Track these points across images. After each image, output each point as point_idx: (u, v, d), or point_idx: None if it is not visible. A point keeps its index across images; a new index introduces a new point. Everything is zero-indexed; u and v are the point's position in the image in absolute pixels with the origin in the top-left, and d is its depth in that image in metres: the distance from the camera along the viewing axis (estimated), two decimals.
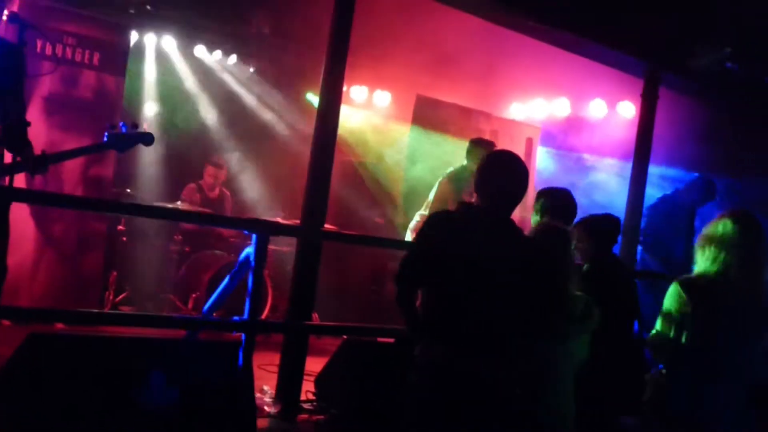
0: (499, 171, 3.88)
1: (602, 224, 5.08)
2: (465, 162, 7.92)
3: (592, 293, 4.25)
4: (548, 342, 3.97)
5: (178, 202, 8.86)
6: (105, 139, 5.13)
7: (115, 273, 8.34)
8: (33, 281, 7.61)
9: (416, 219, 7.99)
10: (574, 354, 4.07)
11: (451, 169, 8.14)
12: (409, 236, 7.91)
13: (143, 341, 4.98)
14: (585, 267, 4.97)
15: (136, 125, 5.18)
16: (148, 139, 5.20)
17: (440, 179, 8.06)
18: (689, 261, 4.32)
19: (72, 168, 7.73)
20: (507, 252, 3.74)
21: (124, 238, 8.73)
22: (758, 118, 9.75)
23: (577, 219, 5.06)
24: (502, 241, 3.77)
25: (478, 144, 7.88)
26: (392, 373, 4.49)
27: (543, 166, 11.34)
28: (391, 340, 6.22)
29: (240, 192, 10.23)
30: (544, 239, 4.14)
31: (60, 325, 6.87)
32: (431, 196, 8.02)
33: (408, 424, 3.79)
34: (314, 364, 6.08)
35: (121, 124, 5.14)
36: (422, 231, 3.86)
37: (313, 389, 5.93)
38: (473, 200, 3.99)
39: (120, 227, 8.66)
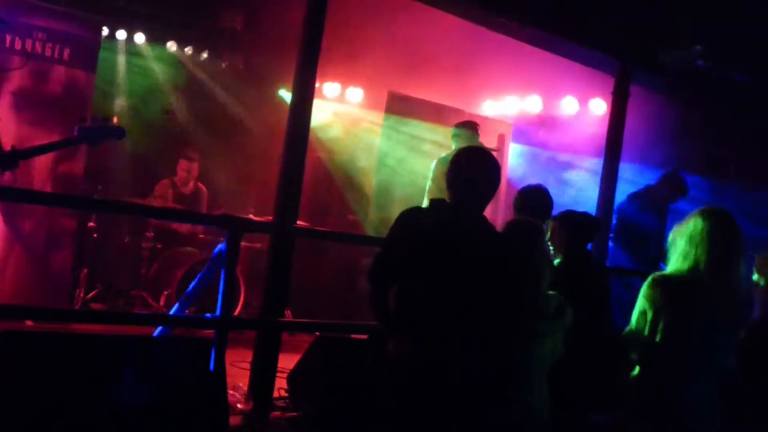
0: (469, 167, 3.89)
1: (578, 220, 5.10)
2: (453, 148, 8.01)
3: (562, 288, 4.27)
4: (521, 339, 3.98)
5: (150, 198, 8.80)
6: (75, 133, 5.07)
7: (85, 270, 8.27)
8: (1, 278, 7.53)
9: None
10: (549, 352, 4.08)
11: (442, 156, 8.22)
12: None
13: (114, 339, 4.94)
14: (557, 261, 5.00)
15: (107, 119, 5.12)
16: (119, 132, 5.13)
17: (432, 168, 8.16)
18: (661, 257, 4.34)
19: (42, 164, 7.66)
20: (478, 248, 3.74)
21: (95, 235, 8.65)
22: (729, 115, 9.85)
23: (555, 213, 5.10)
24: (473, 237, 3.77)
25: (463, 126, 7.98)
26: (365, 370, 4.48)
27: (515, 162, 11.38)
28: (364, 336, 6.22)
29: (211, 188, 10.17)
30: (513, 235, 4.15)
31: (29, 323, 6.81)
32: (427, 186, 8.15)
33: (380, 421, 3.79)
34: (287, 361, 6.07)
35: (90, 117, 5.08)
36: (394, 228, 3.85)
37: (285, 386, 5.92)
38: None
39: (90, 224, 8.58)
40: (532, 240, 4.09)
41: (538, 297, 4.02)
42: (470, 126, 8.07)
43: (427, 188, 8.28)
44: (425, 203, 7.85)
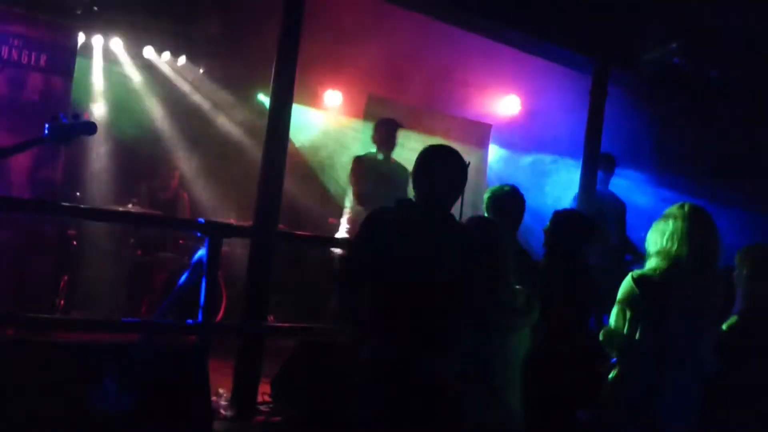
0: (432, 165, 3.90)
1: (566, 220, 5.10)
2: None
3: (544, 285, 4.27)
4: (493, 335, 3.98)
5: (130, 205, 8.76)
6: (46, 131, 5.01)
7: (66, 277, 8.21)
8: None
9: (347, 207, 7.77)
10: (519, 347, 4.09)
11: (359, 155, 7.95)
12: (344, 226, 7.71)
13: (96, 346, 4.91)
14: (542, 260, 5.02)
15: (77, 115, 5.07)
16: (90, 128, 5.07)
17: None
18: (626, 250, 4.28)
19: (20, 171, 7.61)
20: (445, 246, 3.75)
21: (75, 242, 8.61)
22: (705, 112, 9.89)
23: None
24: (439, 235, 3.78)
25: (380, 124, 7.76)
26: (348, 374, 4.48)
27: (495, 163, 11.41)
28: (347, 340, 6.21)
29: (192, 194, 10.14)
30: (475, 232, 4.16)
31: (10, 331, 6.76)
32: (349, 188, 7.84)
33: (358, 425, 3.78)
34: (270, 366, 6.06)
35: (60, 115, 5.03)
36: (360, 232, 3.85)
37: (269, 391, 5.91)
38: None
39: (71, 231, 8.53)
40: (493, 236, 4.10)
41: (504, 292, 4.03)
42: (388, 124, 7.70)
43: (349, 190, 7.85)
44: (348, 204, 7.68)
